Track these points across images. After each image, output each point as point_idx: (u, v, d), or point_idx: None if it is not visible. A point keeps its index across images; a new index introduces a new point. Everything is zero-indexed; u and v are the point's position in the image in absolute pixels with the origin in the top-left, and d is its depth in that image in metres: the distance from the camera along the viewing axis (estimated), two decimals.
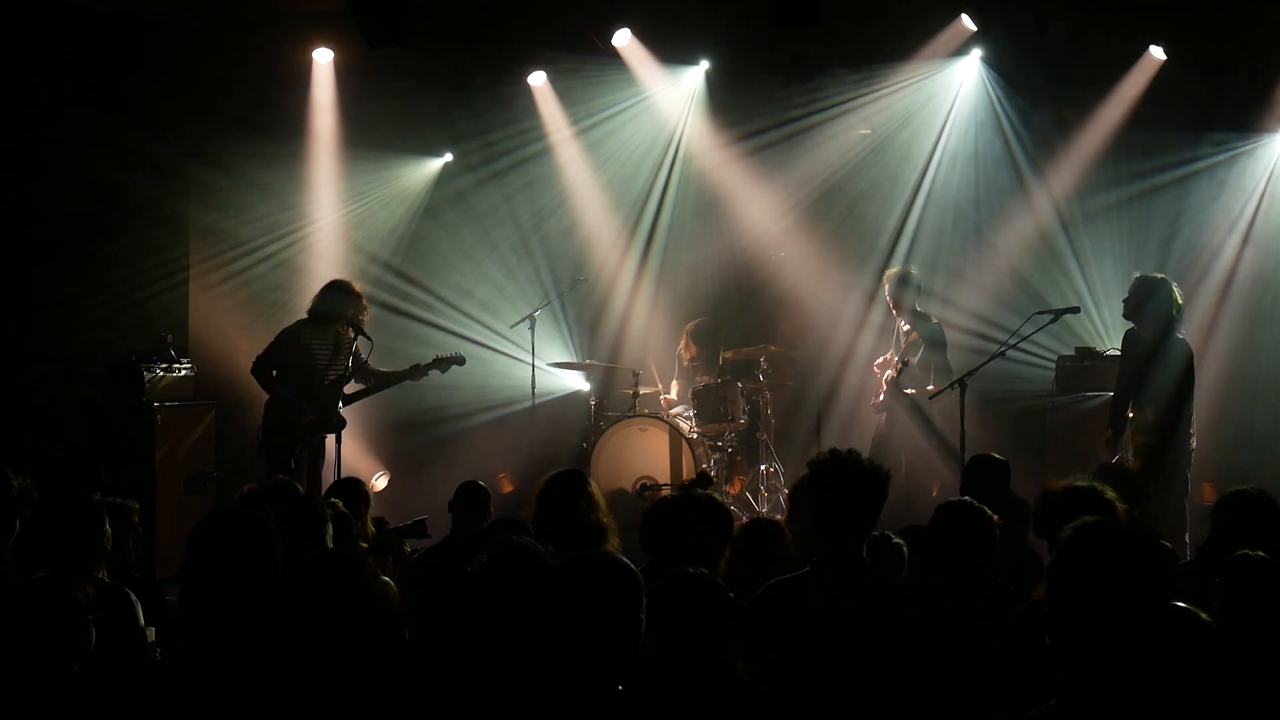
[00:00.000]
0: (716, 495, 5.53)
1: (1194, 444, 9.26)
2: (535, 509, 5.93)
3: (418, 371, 10.31)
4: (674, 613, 4.00)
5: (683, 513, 5.24)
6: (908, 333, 10.72)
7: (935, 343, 10.64)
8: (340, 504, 6.60)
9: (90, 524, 5.03)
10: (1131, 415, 9.32)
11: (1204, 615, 4.13)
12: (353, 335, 9.96)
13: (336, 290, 10.14)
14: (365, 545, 6.83)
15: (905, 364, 10.46)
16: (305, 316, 10.11)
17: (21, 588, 4.02)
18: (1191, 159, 11.45)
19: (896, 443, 10.56)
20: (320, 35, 11.91)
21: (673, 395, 12.06)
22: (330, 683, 3.45)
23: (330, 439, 9.91)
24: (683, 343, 12.10)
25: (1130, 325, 9.49)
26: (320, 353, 9.93)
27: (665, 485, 10.75)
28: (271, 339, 10.07)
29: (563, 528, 5.69)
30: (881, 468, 4.53)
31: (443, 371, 10.38)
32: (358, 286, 10.27)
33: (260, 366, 9.95)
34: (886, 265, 11.77)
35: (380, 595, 4.19)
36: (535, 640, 3.53)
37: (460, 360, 10.45)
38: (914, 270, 10.96)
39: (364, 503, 7.29)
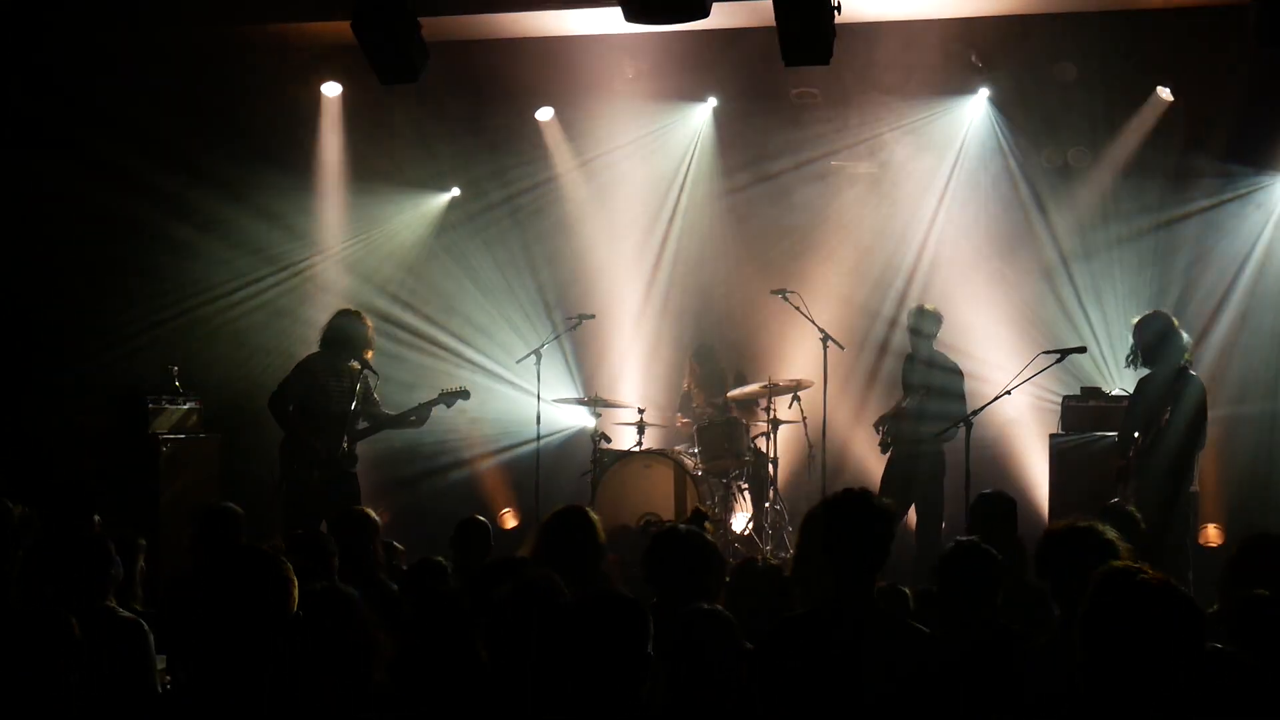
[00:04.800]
0: (708, 530, 5.56)
1: (1196, 486, 9.23)
2: (537, 545, 5.91)
3: (422, 410, 10.15)
4: (689, 649, 4.01)
5: (673, 548, 5.27)
6: (922, 370, 10.69)
7: (949, 383, 10.61)
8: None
9: (96, 554, 5.02)
10: (1136, 447, 9.29)
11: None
12: (359, 369, 9.89)
13: (347, 319, 10.03)
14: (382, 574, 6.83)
15: (924, 396, 10.43)
16: (318, 349, 10.03)
17: (11, 618, 4.00)
18: (1198, 198, 11.46)
19: (906, 481, 10.53)
20: (330, 69, 11.97)
21: (688, 420, 12.06)
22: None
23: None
24: (687, 369, 12.12)
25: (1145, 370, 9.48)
26: (334, 387, 9.81)
27: (669, 522, 10.71)
28: (285, 373, 10.00)
29: (566, 565, 5.65)
30: (891, 506, 4.56)
31: (448, 406, 10.28)
32: (366, 316, 10.21)
33: (277, 401, 9.86)
34: (893, 303, 11.83)
35: (364, 633, 4.17)
36: (544, 676, 3.52)
37: (465, 394, 10.36)
38: (932, 307, 10.95)
39: (371, 534, 7.16)
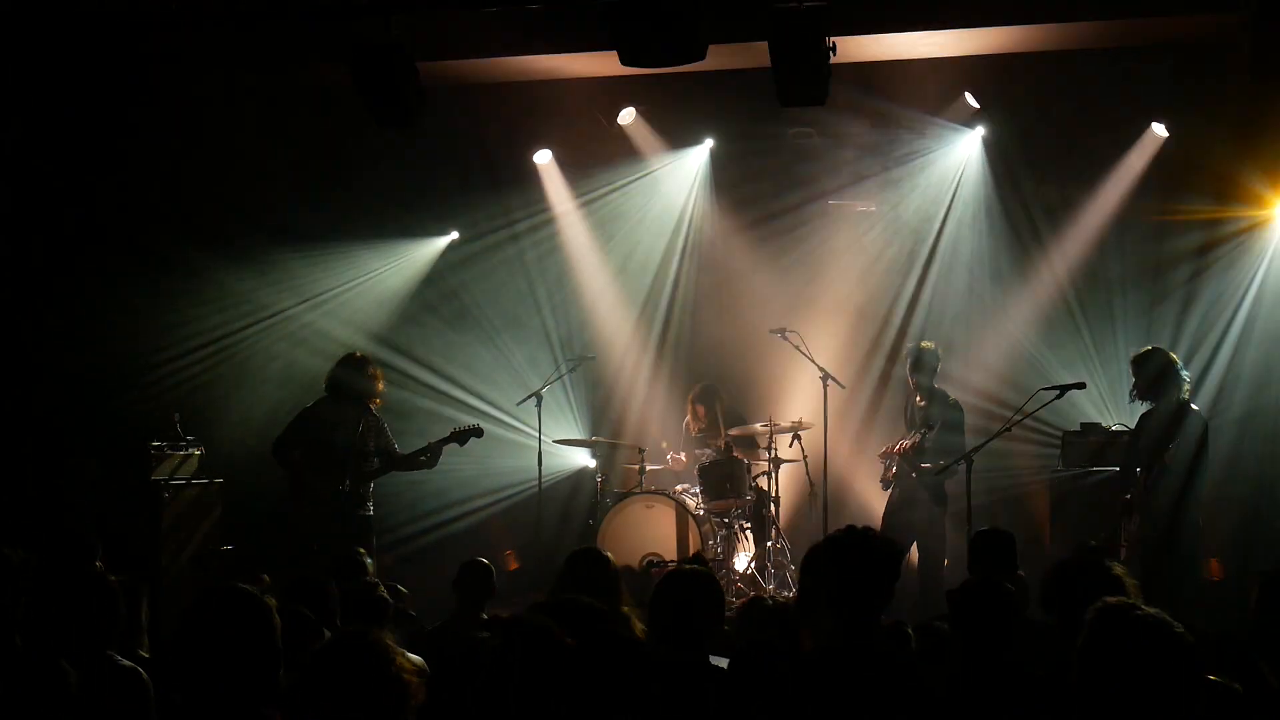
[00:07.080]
0: (708, 571, 5.55)
1: (1199, 520, 9.23)
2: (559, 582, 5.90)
3: (434, 449, 10.10)
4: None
5: (674, 589, 5.26)
6: (923, 408, 10.69)
7: (951, 420, 10.59)
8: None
9: (103, 600, 5.00)
10: (1139, 484, 9.29)
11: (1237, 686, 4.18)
12: (364, 412, 9.88)
13: (352, 366, 10.03)
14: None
15: (925, 434, 10.44)
16: (324, 394, 10.04)
17: (18, 664, 4.00)
18: (1194, 234, 11.48)
19: (907, 517, 10.52)
20: (327, 112, 11.99)
21: (681, 457, 12.07)
22: None
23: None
24: (689, 412, 12.14)
25: (1146, 405, 9.49)
26: (341, 433, 9.81)
27: (672, 562, 10.69)
28: (289, 419, 10.01)
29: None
30: (894, 544, 4.56)
31: (461, 444, 10.25)
32: (373, 361, 10.21)
33: (281, 448, 9.85)
34: (892, 340, 11.86)
35: (397, 678, 4.15)
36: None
37: (478, 432, 10.32)
38: (932, 345, 10.94)
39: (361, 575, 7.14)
